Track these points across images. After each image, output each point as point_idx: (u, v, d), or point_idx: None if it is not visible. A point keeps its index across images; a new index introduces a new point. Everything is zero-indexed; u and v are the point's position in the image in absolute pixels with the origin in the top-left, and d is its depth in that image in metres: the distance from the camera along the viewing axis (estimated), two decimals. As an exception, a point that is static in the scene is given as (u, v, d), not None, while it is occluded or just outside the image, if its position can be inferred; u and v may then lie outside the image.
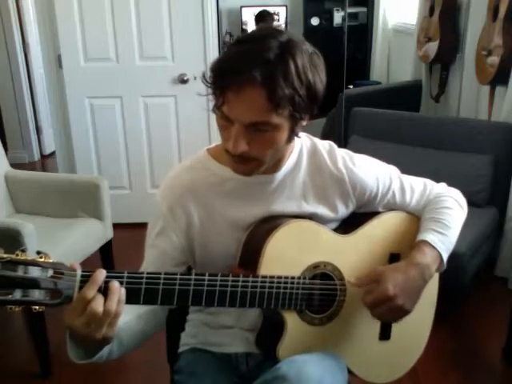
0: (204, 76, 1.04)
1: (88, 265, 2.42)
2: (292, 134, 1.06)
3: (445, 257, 1.18)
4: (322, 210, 1.19)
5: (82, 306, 0.92)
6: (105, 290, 0.94)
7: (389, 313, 1.10)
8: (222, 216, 1.16)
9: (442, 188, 1.31)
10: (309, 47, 1.03)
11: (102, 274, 0.94)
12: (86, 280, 0.93)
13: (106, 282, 0.95)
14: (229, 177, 1.14)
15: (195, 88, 1.02)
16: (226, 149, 1.05)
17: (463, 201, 1.30)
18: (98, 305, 0.92)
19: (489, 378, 2.19)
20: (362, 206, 1.25)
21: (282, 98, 0.96)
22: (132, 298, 0.97)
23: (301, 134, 1.18)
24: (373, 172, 1.23)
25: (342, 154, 1.23)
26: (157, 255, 1.17)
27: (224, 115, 1.02)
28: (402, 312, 1.11)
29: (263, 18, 4.86)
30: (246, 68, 0.95)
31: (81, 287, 0.93)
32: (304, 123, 1.08)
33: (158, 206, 1.17)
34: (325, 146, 1.23)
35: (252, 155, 1.04)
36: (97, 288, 0.93)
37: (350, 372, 1.20)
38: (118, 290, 0.95)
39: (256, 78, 0.95)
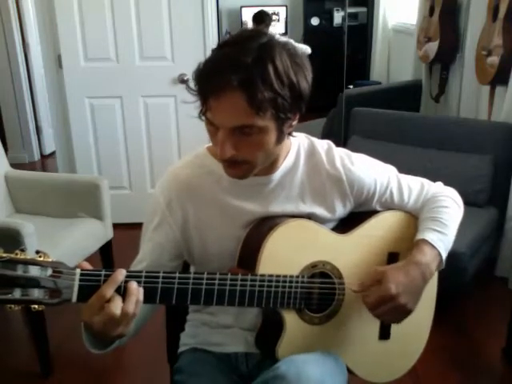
0: (188, 84, 1.04)
1: (88, 265, 2.42)
2: (281, 134, 1.06)
3: (444, 255, 1.18)
4: (319, 211, 1.19)
5: (99, 304, 0.92)
6: (122, 290, 0.94)
7: (391, 312, 1.09)
8: (219, 213, 1.16)
9: (438, 187, 1.31)
10: (292, 47, 1.02)
11: (122, 274, 0.95)
12: (85, 279, 0.93)
13: (124, 282, 0.95)
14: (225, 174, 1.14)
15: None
16: (217, 154, 1.05)
17: (459, 199, 1.30)
18: (116, 306, 0.92)
19: (489, 378, 2.19)
20: (360, 206, 1.25)
21: (263, 101, 0.96)
22: None
23: (299, 133, 1.18)
24: (371, 171, 1.23)
25: (340, 153, 1.23)
26: (153, 248, 1.17)
27: (210, 121, 1.02)
28: (404, 312, 1.11)
29: (261, 18, 4.85)
30: (223, 73, 0.95)
31: (80, 286, 0.93)
32: (293, 122, 1.07)
33: (156, 201, 1.17)
34: (323, 145, 1.23)
35: (241, 159, 1.04)
36: (115, 287, 0.93)
37: (349, 371, 1.20)
38: (137, 291, 0.95)
39: (233, 82, 0.95)
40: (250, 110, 0.96)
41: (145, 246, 1.18)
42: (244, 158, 1.04)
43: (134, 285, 0.95)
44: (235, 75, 0.95)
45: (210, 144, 1.21)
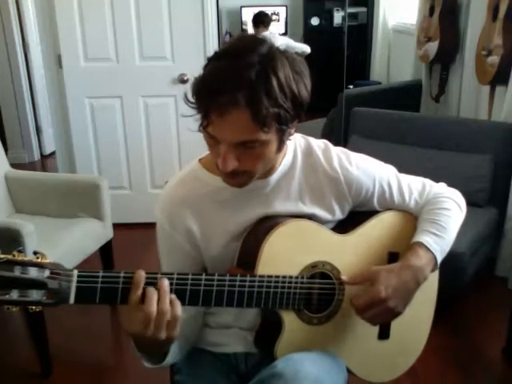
0: (186, 97, 1.02)
1: (88, 265, 2.42)
2: (281, 143, 1.06)
3: (439, 259, 1.18)
4: (319, 211, 1.19)
5: (134, 309, 0.94)
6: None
7: (379, 315, 1.09)
8: (220, 225, 1.15)
9: (441, 188, 1.30)
10: (291, 53, 1.01)
11: (141, 276, 0.96)
12: (82, 280, 0.94)
13: (156, 279, 0.96)
14: (222, 186, 1.13)
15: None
16: (216, 164, 1.04)
17: (462, 201, 1.29)
18: (151, 305, 0.94)
19: (489, 378, 2.19)
20: (359, 206, 1.24)
21: (267, 117, 0.95)
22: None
23: (295, 134, 1.17)
24: (369, 171, 1.22)
25: (338, 152, 1.22)
26: (176, 267, 1.14)
27: (210, 135, 1.01)
28: (392, 315, 1.11)
29: (261, 19, 4.86)
30: (227, 90, 0.93)
31: (78, 287, 0.93)
32: (293, 130, 1.07)
33: (160, 224, 1.16)
34: (320, 145, 1.22)
35: (242, 170, 1.04)
36: (140, 290, 0.95)
37: (348, 371, 1.20)
38: (167, 288, 0.96)
39: (239, 100, 0.93)
40: (255, 126, 0.96)
41: (166, 267, 1.19)
42: (245, 169, 1.04)
43: (165, 282, 0.97)
44: (240, 93, 0.93)
45: (203, 156, 1.20)
